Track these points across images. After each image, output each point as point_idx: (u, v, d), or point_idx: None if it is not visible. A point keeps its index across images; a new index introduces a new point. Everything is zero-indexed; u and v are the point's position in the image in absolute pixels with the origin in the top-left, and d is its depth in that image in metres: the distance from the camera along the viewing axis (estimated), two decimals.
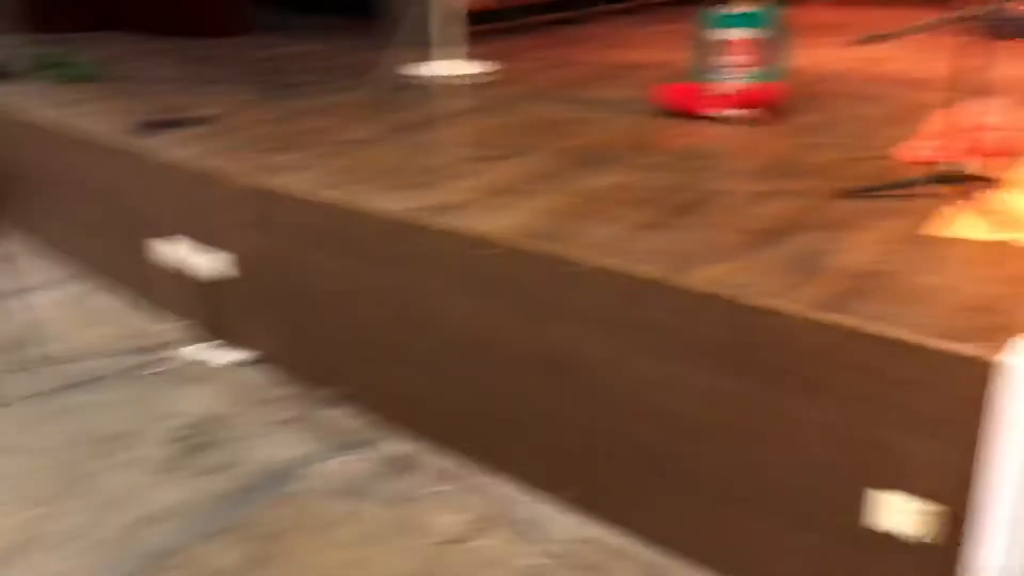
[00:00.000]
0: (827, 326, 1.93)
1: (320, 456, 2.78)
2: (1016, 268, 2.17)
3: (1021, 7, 5.46)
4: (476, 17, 5.29)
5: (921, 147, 3.03)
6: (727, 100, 3.64)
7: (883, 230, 2.43)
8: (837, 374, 1.93)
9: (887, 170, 2.96)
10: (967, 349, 1.77)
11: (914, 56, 4.74)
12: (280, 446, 2.84)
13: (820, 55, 5.14)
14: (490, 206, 2.71)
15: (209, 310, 3.42)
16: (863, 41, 2.63)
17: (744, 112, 3.59)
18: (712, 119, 3.64)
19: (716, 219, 2.56)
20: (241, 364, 3.32)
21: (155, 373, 3.29)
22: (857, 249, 2.31)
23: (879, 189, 2.69)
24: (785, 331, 1.98)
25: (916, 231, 2.42)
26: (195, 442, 2.87)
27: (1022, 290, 2.04)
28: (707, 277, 2.15)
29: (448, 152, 3.52)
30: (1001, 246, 2.30)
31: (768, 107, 3.64)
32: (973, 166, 2.89)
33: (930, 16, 2.53)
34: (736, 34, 3.70)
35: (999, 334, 1.80)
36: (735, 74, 3.70)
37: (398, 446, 2.82)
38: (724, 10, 3.72)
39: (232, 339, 3.40)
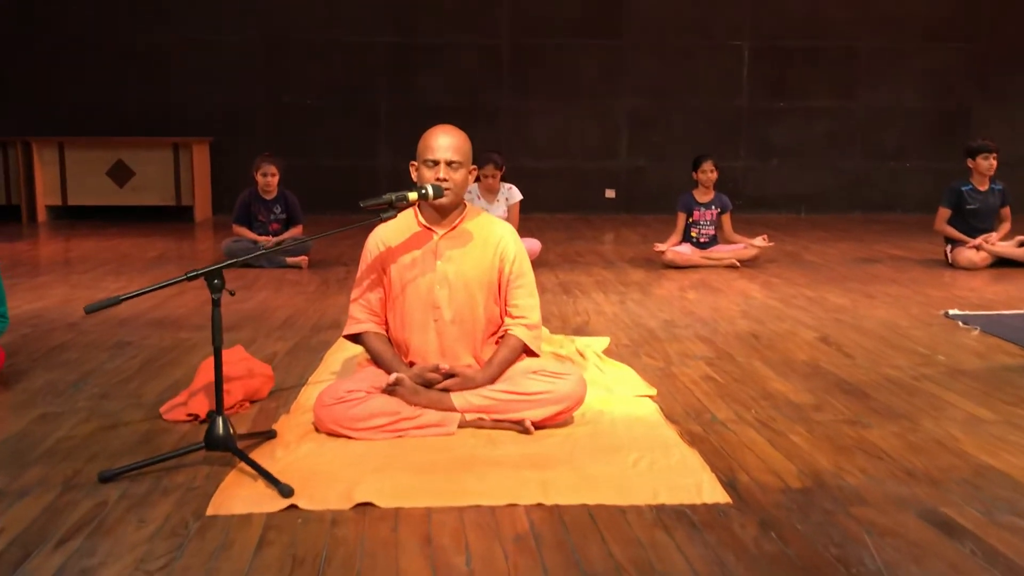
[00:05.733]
0: None
1: None
2: (304, 537, 1.91)
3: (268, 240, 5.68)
4: None
5: (186, 404, 2.67)
6: None
7: (157, 519, 1.99)
8: None
9: (154, 434, 2.55)
10: None
11: (160, 294, 4.39)
12: None
13: (59, 296, 4.60)
14: None
15: None
16: (91, 310, 2.22)
17: None
18: None
19: None
20: None
21: None
22: (128, 554, 1.83)
23: (144, 464, 2.26)
24: None
25: (195, 513, 2.03)
26: None
27: (314, 567, 1.77)
28: None
29: None
30: (294, 512, 2.03)
31: None
32: (242, 420, 2.64)
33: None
34: None
35: None
36: None
37: None
38: None
39: None
